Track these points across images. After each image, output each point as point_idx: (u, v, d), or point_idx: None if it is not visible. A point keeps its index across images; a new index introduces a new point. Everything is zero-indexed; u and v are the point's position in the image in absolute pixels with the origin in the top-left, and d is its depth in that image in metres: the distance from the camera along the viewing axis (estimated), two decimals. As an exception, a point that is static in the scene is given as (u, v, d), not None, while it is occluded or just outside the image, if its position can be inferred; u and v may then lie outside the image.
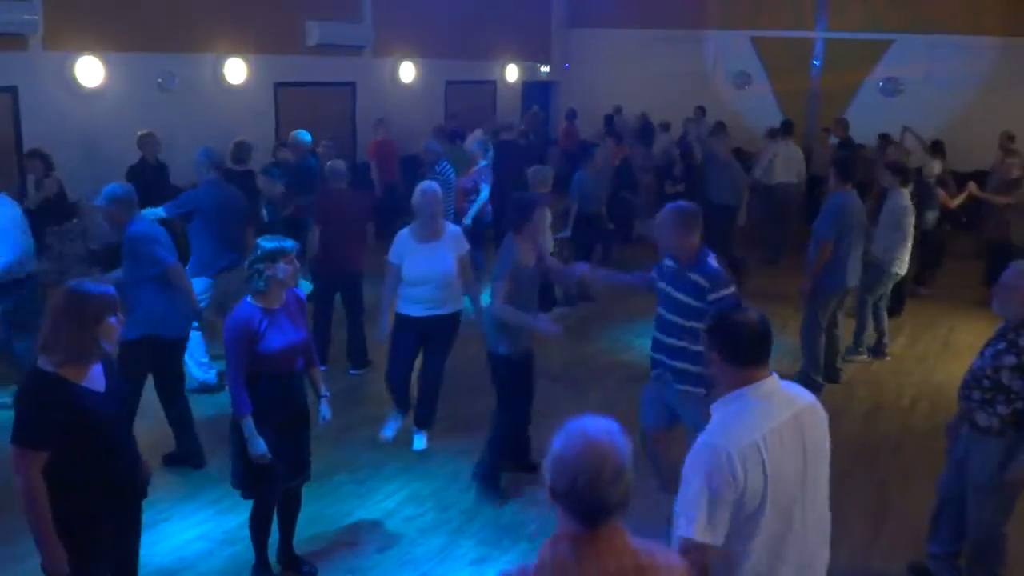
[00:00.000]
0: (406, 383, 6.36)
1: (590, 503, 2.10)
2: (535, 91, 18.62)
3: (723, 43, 17.56)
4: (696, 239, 4.86)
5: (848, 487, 5.86)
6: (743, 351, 2.90)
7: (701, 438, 2.84)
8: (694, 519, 2.72)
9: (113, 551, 3.61)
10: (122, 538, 3.69)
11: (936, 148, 11.92)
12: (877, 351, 8.58)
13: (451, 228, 6.20)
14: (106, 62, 10.24)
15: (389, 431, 6.36)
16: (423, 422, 6.35)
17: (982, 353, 4.44)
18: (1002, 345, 4.30)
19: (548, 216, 8.68)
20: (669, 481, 4.73)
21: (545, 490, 2.15)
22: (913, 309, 9.88)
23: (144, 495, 3.75)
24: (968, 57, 15.26)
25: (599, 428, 2.15)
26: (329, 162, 8.36)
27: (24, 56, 9.55)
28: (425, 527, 5.34)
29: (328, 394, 4.81)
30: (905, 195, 8.24)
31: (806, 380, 7.38)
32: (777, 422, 2.85)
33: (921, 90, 15.69)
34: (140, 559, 3.86)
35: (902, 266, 8.24)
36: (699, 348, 4.44)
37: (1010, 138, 12.41)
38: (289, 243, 4.39)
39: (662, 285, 4.96)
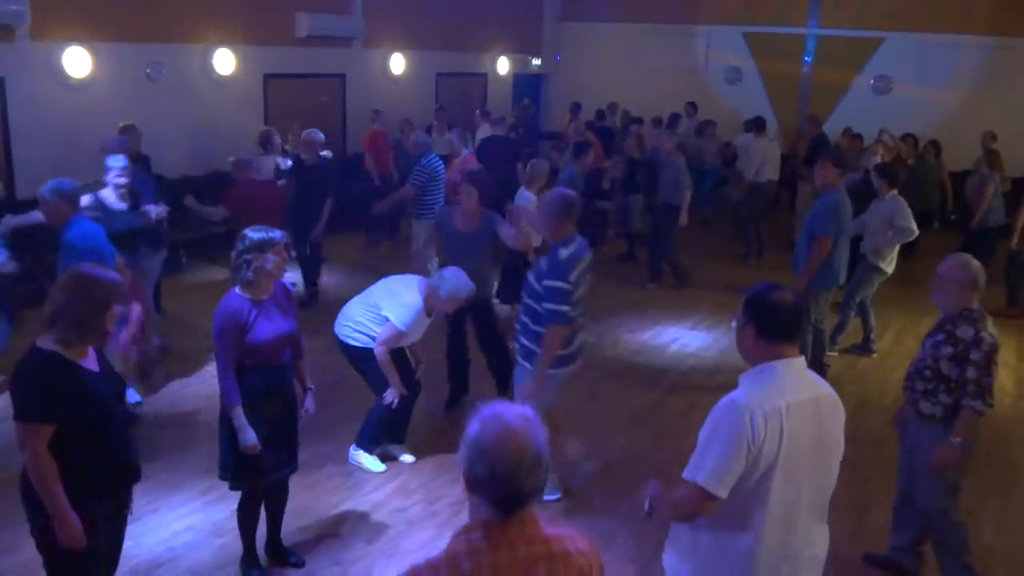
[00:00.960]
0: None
1: (508, 492, 2.07)
2: (526, 84, 18.61)
3: (715, 38, 17.59)
4: (567, 227, 5.12)
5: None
6: (778, 327, 2.98)
7: (727, 396, 2.95)
8: (704, 467, 2.84)
9: (106, 536, 3.62)
10: (114, 521, 3.71)
11: (936, 149, 11.86)
12: (864, 348, 8.64)
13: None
14: (94, 52, 10.19)
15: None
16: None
17: (923, 345, 4.58)
18: (941, 336, 4.44)
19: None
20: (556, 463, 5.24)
21: (459, 477, 2.13)
22: (899, 306, 9.94)
23: (138, 478, 3.77)
24: (958, 56, 15.34)
25: (516, 415, 2.12)
26: (235, 157, 8.47)
27: (11, 47, 9.49)
28: (413, 519, 5.36)
29: (313, 387, 4.82)
30: (895, 198, 8.27)
31: None
32: (801, 397, 2.95)
33: (911, 88, 15.75)
34: (128, 550, 3.87)
35: (890, 265, 8.28)
36: (536, 329, 5.07)
37: (993, 137, 12.45)
38: (278, 234, 4.37)
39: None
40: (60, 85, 9.99)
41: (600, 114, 16.21)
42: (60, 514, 3.35)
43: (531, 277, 5.16)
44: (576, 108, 15.79)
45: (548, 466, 2.13)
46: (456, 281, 5.60)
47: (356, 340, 5.71)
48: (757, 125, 12.93)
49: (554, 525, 2.27)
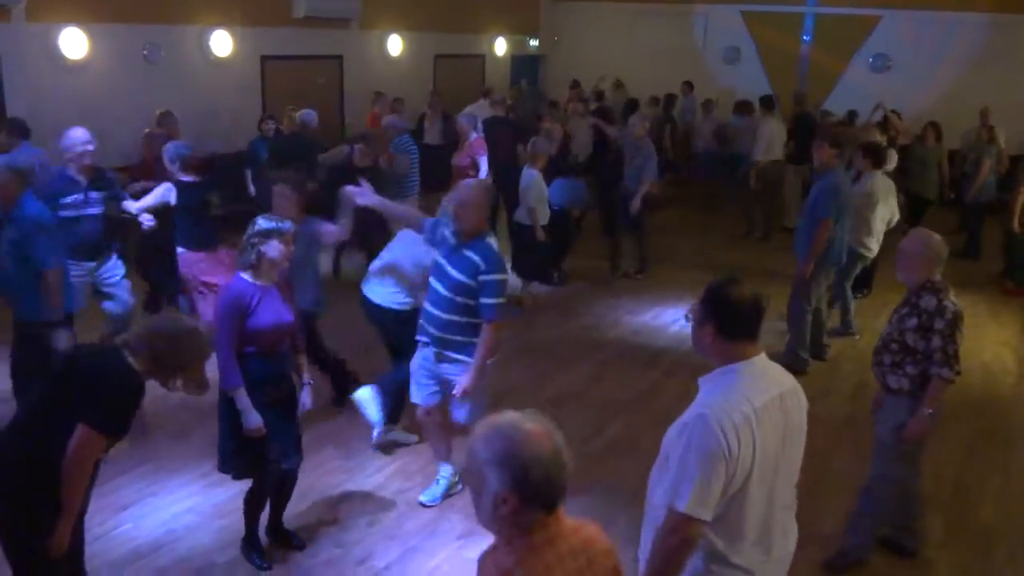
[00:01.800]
0: None
1: (557, 487, 2.11)
2: (524, 65, 18.53)
3: (713, 18, 17.50)
4: (485, 218, 5.05)
5: (833, 462, 5.93)
6: (738, 325, 2.85)
7: (693, 410, 2.81)
8: (687, 494, 2.69)
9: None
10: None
11: (936, 131, 11.70)
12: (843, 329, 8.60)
13: None
14: (90, 34, 10.13)
15: None
16: None
17: (890, 320, 4.65)
18: (905, 309, 4.52)
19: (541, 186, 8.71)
20: (447, 451, 5.34)
21: (491, 495, 2.12)
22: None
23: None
24: (957, 33, 15.26)
25: (520, 419, 2.15)
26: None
27: (7, 27, 9.44)
28: (414, 501, 5.36)
29: (312, 382, 4.82)
30: (878, 178, 8.24)
31: (793, 357, 7.43)
32: (767, 398, 2.83)
33: (910, 66, 15.69)
34: (129, 532, 3.85)
35: (873, 247, 8.26)
36: (470, 320, 4.85)
37: (982, 114, 12.55)
38: (287, 224, 4.41)
39: (439, 258, 5.01)
40: (57, 67, 9.93)
41: (599, 96, 16.05)
42: (69, 520, 3.34)
43: (455, 271, 4.86)
44: (576, 85, 15.74)
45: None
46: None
47: (400, 304, 5.79)
48: (765, 104, 12.82)
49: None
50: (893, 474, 4.62)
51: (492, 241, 5.00)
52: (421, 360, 5.14)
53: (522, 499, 2.09)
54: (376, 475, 5.66)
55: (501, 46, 17.73)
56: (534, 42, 18.79)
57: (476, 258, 4.80)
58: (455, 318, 4.88)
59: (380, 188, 6.22)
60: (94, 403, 3.30)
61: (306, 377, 4.77)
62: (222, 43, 11.79)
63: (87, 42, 10.12)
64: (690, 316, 2.97)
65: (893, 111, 13.24)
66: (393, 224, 6.76)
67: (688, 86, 16.08)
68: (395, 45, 14.90)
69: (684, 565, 2.80)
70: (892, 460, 4.59)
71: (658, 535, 2.79)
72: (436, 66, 16.02)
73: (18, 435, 3.43)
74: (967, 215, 12.01)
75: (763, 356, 2.91)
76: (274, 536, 4.86)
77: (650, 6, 17.52)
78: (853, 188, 8.11)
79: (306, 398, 4.75)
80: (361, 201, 5.56)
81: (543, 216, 8.75)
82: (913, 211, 10.88)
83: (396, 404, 5.93)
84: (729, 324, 2.84)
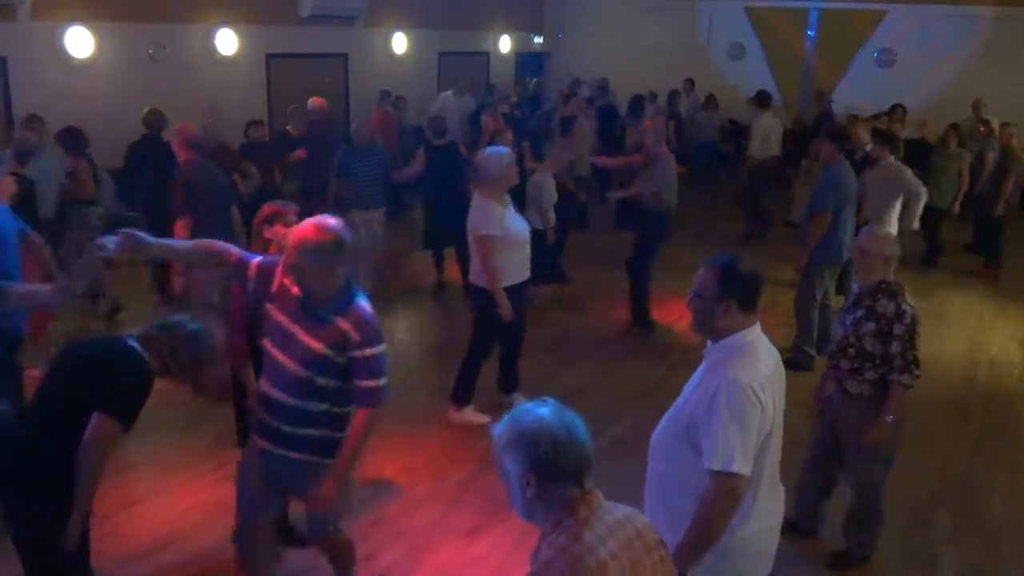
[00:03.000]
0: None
1: (568, 459, 2.15)
2: (529, 61, 18.51)
3: (717, 13, 17.47)
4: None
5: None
6: (755, 297, 3.03)
7: (715, 378, 2.92)
8: (734, 454, 2.82)
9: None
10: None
11: (958, 135, 11.09)
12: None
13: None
14: (96, 32, 10.16)
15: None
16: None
17: (843, 321, 4.59)
18: (861, 312, 4.45)
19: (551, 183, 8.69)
20: None
21: (515, 481, 2.17)
22: (905, 282, 9.84)
23: None
24: (962, 27, 15.21)
25: (532, 404, 2.22)
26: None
27: (13, 26, 9.47)
28: (419, 498, 5.36)
29: None
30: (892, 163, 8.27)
31: (799, 352, 7.42)
32: (773, 360, 3.06)
33: (915, 61, 15.65)
34: (136, 529, 3.86)
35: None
36: (340, 410, 3.64)
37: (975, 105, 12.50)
38: (290, 205, 4.50)
39: (279, 317, 3.61)
40: (62, 65, 9.96)
41: (603, 90, 15.93)
42: (83, 511, 3.36)
43: (313, 341, 3.50)
44: (575, 84, 15.51)
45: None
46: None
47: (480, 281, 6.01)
48: (760, 100, 12.73)
49: None
50: (875, 476, 4.61)
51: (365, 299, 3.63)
52: (249, 461, 3.92)
53: (540, 476, 2.13)
54: (381, 472, 5.66)
55: (506, 43, 17.72)
56: (538, 39, 18.77)
57: (346, 326, 3.50)
58: (320, 407, 3.63)
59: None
60: (113, 393, 3.32)
61: None
62: (227, 41, 11.81)
63: (93, 41, 10.14)
64: (699, 297, 3.03)
65: (899, 106, 13.18)
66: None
67: (690, 83, 16.00)
68: (400, 43, 14.90)
69: (725, 528, 2.90)
70: (870, 463, 4.57)
71: (706, 499, 2.88)
72: (441, 63, 16.02)
73: (27, 427, 3.42)
74: (985, 227, 11.10)
75: (758, 326, 3.08)
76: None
77: (654, 2, 17.49)
78: (865, 176, 8.13)
79: None
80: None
81: (552, 217, 8.70)
82: (923, 221, 9.83)
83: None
84: (749, 298, 3.00)
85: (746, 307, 2.99)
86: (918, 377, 4.36)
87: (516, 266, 6.04)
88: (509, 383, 6.51)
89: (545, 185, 8.55)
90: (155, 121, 8.73)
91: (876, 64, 16.21)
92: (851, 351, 4.46)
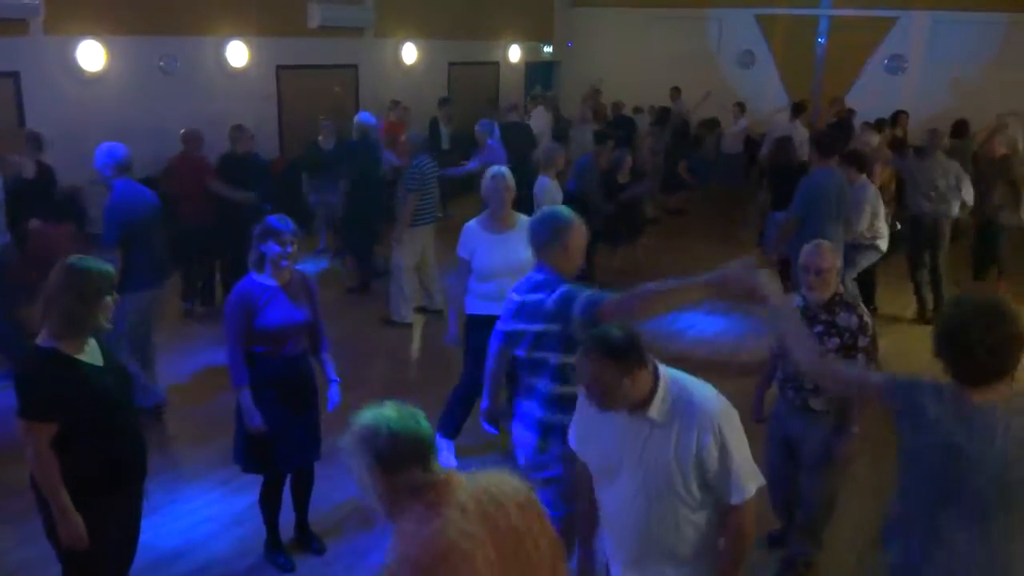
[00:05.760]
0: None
1: (407, 443, 2.23)
2: (538, 71, 18.54)
3: (727, 21, 17.46)
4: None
5: (850, 468, 5.88)
6: (633, 354, 2.89)
7: (711, 401, 2.91)
8: (752, 479, 2.90)
9: (117, 530, 3.65)
10: (125, 517, 3.74)
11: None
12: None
13: (523, 218, 5.48)
14: (107, 46, 10.22)
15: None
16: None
17: None
18: (819, 329, 4.22)
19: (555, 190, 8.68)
20: None
21: (362, 480, 2.27)
22: (901, 303, 9.73)
23: (146, 472, 3.78)
24: (974, 34, 15.16)
25: (390, 407, 2.33)
26: None
27: (25, 41, 9.53)
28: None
29: (339, 380, 4.76)
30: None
31: None
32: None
33: (926, 67, 15.61)
34: (148, 540, 3.89)
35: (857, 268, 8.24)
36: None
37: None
38: (290, 225, 4.43)
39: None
40: (74, 79, 10.02)
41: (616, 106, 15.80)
42: (62, 513, 3.36)
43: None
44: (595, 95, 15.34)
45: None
46: None
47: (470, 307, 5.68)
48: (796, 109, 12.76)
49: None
50: (828, 488, 4.53)
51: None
52: None
53: (385, 468, 2.20)
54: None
55: (515, 53, 17.75)
56: (548, 48, 18.80)
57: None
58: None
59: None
60: (16, 394, 3.34)
61: (333, 375, 4.75)
62: (238, 53, 11.86)
63: (104, 54, 10.20)
64: (602, 391, 2.87)
65: (902, 112, 13.12)
66: None
67: (676, 91, 15.75)
68: (410, 53, 14.94)
69: None
70: (826, 477, 4.49)
71: (738, 533, 2.92)
72: (450, 74, 16.06)
73: None
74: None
75: None
76: (298, 538, 4.89)
77: (664, 11, 17.49)
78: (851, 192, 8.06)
79: (334, 395, 4.71)
80: None
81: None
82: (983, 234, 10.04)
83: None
84: (635, 356, 2.88)
85: (645, 363, 2.88)
86: None
87: (485, 295, 5.57)
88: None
89: (544, 189, 8.57)
90: (192, 139, 8.72)
91: (886, 71, 16.17)
92: None
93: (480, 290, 5.58)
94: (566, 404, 3.52)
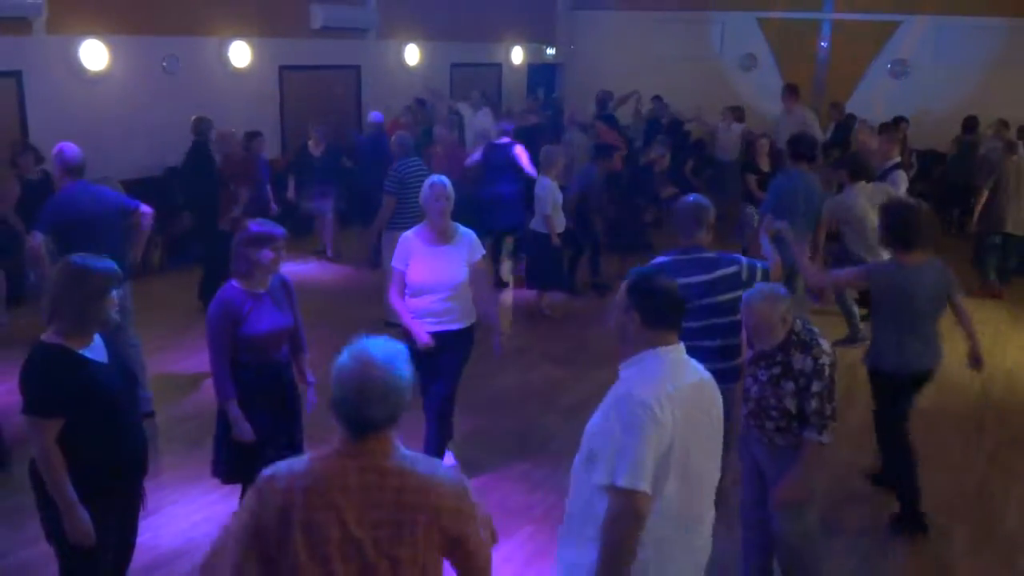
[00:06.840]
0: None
1: (355, 415, 2.32)
2: (541, 73, 18.54)
3: (730, 24, 17.45)
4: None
5: (856, 471, 5.89)
6: (662, 314, 2.96)
7: (621, 389, 2.89)
8: (624, 469, 2.74)
9: (116, 528, 3.64)
10: (125, 516, 3.74)
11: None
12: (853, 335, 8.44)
13: (464, 231, 5.35)
14: (110, 45, 10.22)
15: None
16: (443, 447, 5.62)
17: (756, 378, 4.18)
18: (777, 371, 4.06)
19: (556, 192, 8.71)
20: None
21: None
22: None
23: (146, 471, 3.77)
24: (976, 37, 15.14)
25: (379, 348, 2.36)
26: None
27: (28, 40, 9.54)
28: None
29: (315, 381, 4.71)
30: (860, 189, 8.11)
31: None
32: (687, 381, 2.94)
33: (929, 71, 15.59)
34: (148, 541, 3.87)
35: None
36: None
37: (1004, 124, 12.27)
38: (279, 230, 4.40)
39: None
40: (77, 78, 10.03)
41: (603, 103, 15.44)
42: (68, 509, 3.36)
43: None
44: (606, 95, 14.97)
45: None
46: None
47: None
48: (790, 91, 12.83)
49: None
50: (799, 528, 4.20)
51: None
52: None
53: (336, 416, 2.37)
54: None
55: (518, 55, 17.74)
56: (550, 50, 18.79)
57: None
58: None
59: None
60: (21, 391, 3.35)
61: (310, 376, 4.73)
62: (240, 54, 11.87)
63: (107, 54, 10.20)
64: (615, 305, 3.04)
65: (901, 119, 13.07)
66: None
67: (657, 100, 15.43)
68: (412, 55, 14.94)
69: (635, 547, 2.78)
70: (794, 514, 4.18)
71: (604, 521, 2.80)
72: (453, 75, 16.06)
73: None
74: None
75: (680, 346, 3.00)
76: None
77: (666, 14, 17.47)
78: (838, 198, 8.09)
79: (312, 396, 4.70)
80: None
81: (559, 224, 8.75)
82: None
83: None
84: (650, 312, 2.94)
85: (651, 322, 2.92)
86: (833, 432, 4.02)
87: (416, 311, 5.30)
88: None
89: (545, 190, 8.62)
90: (202, 128, 9.10)
91: (889, 75, 16.15)
92: (774, 413, 4.07)
93: (411, 305, 5.29)
94: None
